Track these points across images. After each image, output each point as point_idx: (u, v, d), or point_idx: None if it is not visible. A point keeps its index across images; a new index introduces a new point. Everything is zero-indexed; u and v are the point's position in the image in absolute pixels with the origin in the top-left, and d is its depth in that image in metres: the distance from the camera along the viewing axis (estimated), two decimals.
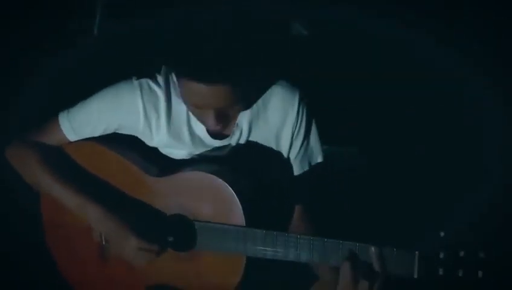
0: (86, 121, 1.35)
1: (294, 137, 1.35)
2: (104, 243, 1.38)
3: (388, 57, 2.56)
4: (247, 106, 1.30)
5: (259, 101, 1.33)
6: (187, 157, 1.37)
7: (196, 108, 1.23)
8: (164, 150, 1.38)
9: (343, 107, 2.34)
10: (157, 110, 1.31)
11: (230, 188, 1.24)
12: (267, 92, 1.34)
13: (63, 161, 1.37)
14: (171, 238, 1.30)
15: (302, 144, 1.37)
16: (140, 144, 1.37)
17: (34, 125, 1.47)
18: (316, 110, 1.38)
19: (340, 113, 2.26)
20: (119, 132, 1.37)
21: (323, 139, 1.42)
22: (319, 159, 1.41)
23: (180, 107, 1.32)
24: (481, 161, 2.32)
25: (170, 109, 1.32)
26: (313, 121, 1.37)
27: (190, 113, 1.32)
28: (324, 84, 2.17)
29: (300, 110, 1.33)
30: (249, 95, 1.28)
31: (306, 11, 2.59)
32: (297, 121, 1.34)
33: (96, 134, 1.36)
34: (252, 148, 1.36)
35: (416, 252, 1.13)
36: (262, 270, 1.30)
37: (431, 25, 2.50)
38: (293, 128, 1.34)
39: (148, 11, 2.19)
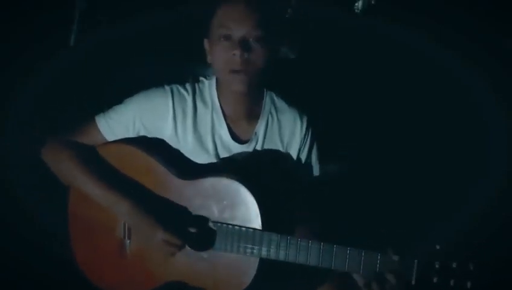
0: (120, 122, 1.44)
1: (299, 153, 1.53)
2: (126, 239, 1.44)
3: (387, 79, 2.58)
4: (268, 42, 1.38)
5: (275, 117, 1.51)
6: (210, 162, 1.46)
7: (223, 31, 1.35)
8: (189, 154, 1.46)
9: (343, 130, 2.38)
10: (184, 113, 1.44)
11: (250, 193, 1.34)
12: (281, 110, 1.52)
13: (96, 160, 1.45)
14: (192, 235, 1.38)
15: (305, 161, 1.55)
16: (169, 148, 1.46)
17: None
18: (318, 134, 1.57)
19: (340, 136, 2.32)
20: (150, 134, 1.46)
21: (324, 157, 1.60)
22: (317, 173, 1.58)
23: (205, 112, 1.45)
24: (473, 180, 2.32)
25: (196, 113, 1.44)
26: (315, 144, 1.56)
27: (214, 117, 1.45)
28: (328, 110, 2.21)
29: (307, 132, 1.53)
30: (270, 29, 1.38)
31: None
32: (303, 141, 1.53)
33: (130, 135, 1.46)
34: (267, 156, 1.50)
35: (416, 261, 1.24)
36: (271, 275, 1.39)
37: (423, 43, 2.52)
38: (300, 145, 1.52)
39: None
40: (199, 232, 1.38)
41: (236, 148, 1.46)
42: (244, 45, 1.32)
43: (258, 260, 1.35)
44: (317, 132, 1.55)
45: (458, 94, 2.57)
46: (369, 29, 2.67)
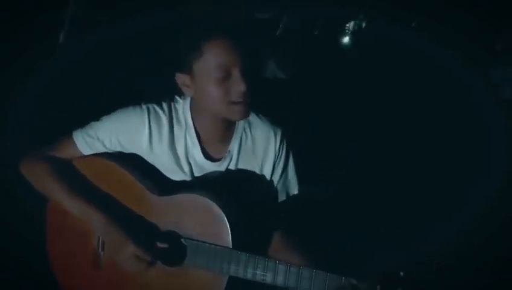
0: (97, 138, 1.46)
1: (275, 168, 1.52)
2: (100, 250, 1.46)
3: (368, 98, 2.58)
4: (256, 71, 1.39)
5: (248, 133, 1.50)
6: (185, 179, 1.48)
7: (221, 72, 1.34)
8: (165, 171, 1.48)
9: (319, 147, 2.37)
10: (160, 132, 1.45)
11: (221, 211, 1.35)
12: (255, 126, 1.51)
13: (72, 173, 1.48)
14: (164, 250, 1.40)
15: (281, 176, 1.53)
16: (145, 163, 1.48)
17: None
18: (294, 148, 1.54)
19: (316, 152, 2.30)
20: (127, 150, 1.48)
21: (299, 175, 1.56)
22: (295, 191, 1.56)
23: (179, 132, 1.47)
24: (473, 180, 2.31)
25: (171, 132, 1.46)
26: (291, 157, 1.54)
27: (188, 137, 1.47)
28: (303, 124, 2.21)
29: (281, 147, 1.51)
30: (257, 59, 1.41)
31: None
32: (277, 155, 1.51)
33: (106, 149, 1.48)
34: (241, 175, 1.50)
35: (378, 286, 1.24)
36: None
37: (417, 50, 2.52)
38: (274, 161, 1.51)
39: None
40: (170, 248, 1.40)
41: (210, 166, 1.47)
42: (246, 79, 1.33)
43: (227, 277, 1.36)
44: (292, 146, 1.54)
45: (458, 94, 2.57)
46: (365, 42, 2.69)
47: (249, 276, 1.34)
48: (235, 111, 1.37)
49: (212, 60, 1.33)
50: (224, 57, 1.32)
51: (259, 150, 1.50)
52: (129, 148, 1.47)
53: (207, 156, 1.47)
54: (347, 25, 2.80)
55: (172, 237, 1.40)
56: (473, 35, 2.50)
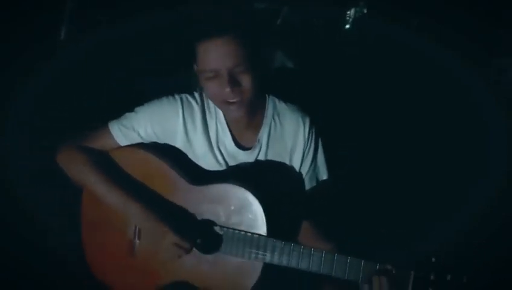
0: (132, 129, 1.49)
1: (304, 156, 1.53)
2: (136, 239, 1.49)
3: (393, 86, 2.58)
4: (254, 69, 1.38)
5: (277, 121, 1.52)
6: (218, 169, 1.51)
7: (210, 73, 1.35)
8: (199, 160, 1.51)
9: (345, 131, 2.38)
10: (194, 121, 1.49)
11: (257, 200, 1.38)
12: (283, 114, 1.53)
13: (109, 164, 1.51)
14: (199, 240, 1.43)
15: (311, 162, 1.55)
16: (180, 154, 1.51)
17: None
18: (323, 135, 1.56)
19: (343, 137, 2.31)
20: (161, 141, 1.51)
21: (331, 159, 1.59)
22: (325, 177, 1.58)
23: (211, 121, 1.50)
24: (473, 180, 2.31)
25: (204, 121, 1.49)
26: (320, 144, 1.56)
27: (219, 126, 1.50)
28: (331, 112, 2.21)
29: (310, 134, 1.53)
30: (253, 57, 1.37)
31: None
32: (307, 143, 1.53)
33: (142, 140, 1.51)
34: (272, 164, 1.53)
35: (412, 272, 1.29)
36: (275, 277, 1.43)
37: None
38: (304, 148, 1.53)
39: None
40: (207, 236, 1.43)
41: (241, 155, 1.50)
42: (233, 80, 1.34)
43: (261, 264, 1.39)
44: (321, 134, 1.55)
45: (458, 94, 2.57)
46: (367, 30, 2.68)
47: (284, 263, 1.37)
48: (229, 110, 1.41)
49: (201, 61, 1.36)
50: (211, 59, 1.34)
51: (288, 138, 1.52)
52: (164, 138, 1.50)
53: (238, 144, 1.51)
54: (348, 12, 2.78)
55: (209, 226, 1.44)
56: (473, 35, 2.50)
